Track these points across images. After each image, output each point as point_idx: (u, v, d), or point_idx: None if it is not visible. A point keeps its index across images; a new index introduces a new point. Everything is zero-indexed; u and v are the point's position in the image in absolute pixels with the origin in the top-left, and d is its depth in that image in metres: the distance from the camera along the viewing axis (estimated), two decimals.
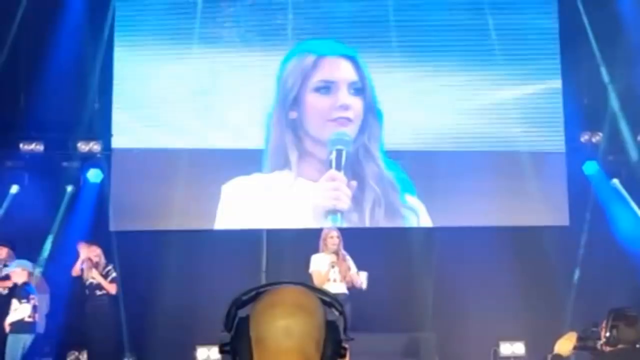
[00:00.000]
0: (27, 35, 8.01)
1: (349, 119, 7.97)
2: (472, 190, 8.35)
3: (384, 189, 8.03)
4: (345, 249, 7.44)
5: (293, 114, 8.04)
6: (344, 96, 7.97)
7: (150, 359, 8.10)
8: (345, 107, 7.96)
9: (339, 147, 7.55)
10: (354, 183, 7.68)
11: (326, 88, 8.00)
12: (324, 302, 1.56)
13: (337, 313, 1.56)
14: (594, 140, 8.67)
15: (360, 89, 8.03)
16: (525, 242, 8.44)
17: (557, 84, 8.54)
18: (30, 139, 8.29)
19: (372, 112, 8.09)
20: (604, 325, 3.74)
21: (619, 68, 8.52)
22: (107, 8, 8.36)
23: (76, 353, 8.03)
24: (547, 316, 8.21)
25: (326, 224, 7.65)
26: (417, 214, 8.13)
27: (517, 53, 8.51)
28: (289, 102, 8.03)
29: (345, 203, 7.59)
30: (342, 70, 8.05)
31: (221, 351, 1.54)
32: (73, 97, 8.26)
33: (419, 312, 8.36)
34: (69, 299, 7.96)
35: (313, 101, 8.02)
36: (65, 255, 8.11)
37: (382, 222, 8.06)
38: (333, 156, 7.54)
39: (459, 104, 8.36)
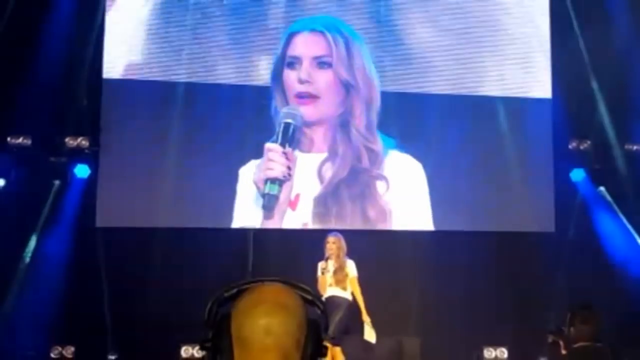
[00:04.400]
0: (16, 28, 7.96)
1: (311, 94, 8.02)
2: (460, 196, 8.38)
3: (356, 166, 8.08)
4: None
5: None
6: (305, 70, 8.03)
7: (135, 356, 8.07)
8: (303, 81, 8.01)
9: (287, 120, 7.54)
10: (289, 151, 7.62)
11: (292, 63, 8.09)
12: (306, 301, 1.56)
13: (318, 311, 1.56)
14: (581, 147, 8.72)
15: (328, 63, 8.05)
16: (511, 248, 8.48)
17: (546, 92, 8.59)
18: (17, 133, 8.24)
19: (351, 86, 8.10)
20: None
21: (608, 76, 8.57)
22: (97, 3, 8.34)
23: (59, 348, 8.01)
24: (531, 322, 8.25)
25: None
26: (389, 183, 8.14)
27: (506, 60, 8.57)
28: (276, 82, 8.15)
29: (278, 171, 7.55)
30: (307, 45, 8.11)
31: (202, 348, 1.54)
32: (62, 92, 8.22)
33: (402, 316, 8.37)
34: (55, 294, 7.93)
35: (285, 77, 8.11)
36: (51, 249, 8.08)
37: (345, 197, 8.10)
38: (280, 129, 7.56)
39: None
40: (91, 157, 8.40)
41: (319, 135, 8.13)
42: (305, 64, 8.02)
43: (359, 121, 8.13)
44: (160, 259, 8.16)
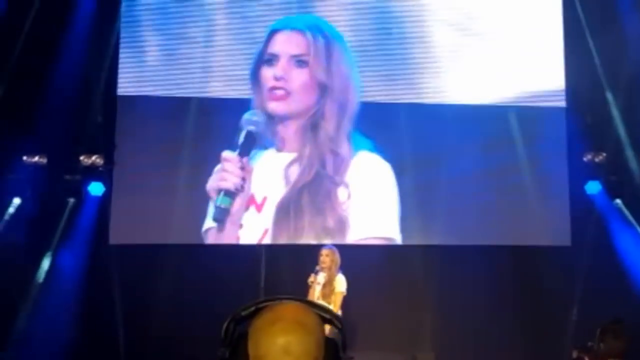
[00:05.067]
0: (31, 48, 8.02)
1: (285, 90, 7.99)
2: (472, 209, 8.33)
3: (320, 171, 7.98)
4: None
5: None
6: (281, 67, 8.01)
7: None
8: (279, 78, 8.00)
9: (249, 128, 7.54)
10: (246, 161, 7.63)
11: (269, 60, 8.07)
12: (324, 319, 1.54)
13: (336, 330, 1.54)
14: (597, 160, 8.65)
15: (305, 62, 8.02)
16: (527, 262, 8.41)
17: (560, 103, 8.54)
18: (33, 152, 8.29)
19: (326, 87, 8.03)
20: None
21: (623, 88, 8.52)
22: (112, 20, 8.40)
23: None
24: (548, 338, 8.16)
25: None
26: (349, 190, 7.98)
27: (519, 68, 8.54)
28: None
29: (230, 183, 7.55)
30: (286, 43, 8.09)
31: None
32: (77, 110, 8.27)
33: (417, 332, 8.31)
34: (69, 311, 7.93)
35: (262, 73, 8.10)
36: (65, 267, 8.10)
37: (306, 204, 7.99)
38: (241, 137, 7.54)
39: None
40: (105, 175, 8.43)
41: (289, 134, 8.08)
42: (283, 61, 8.01)
43: (329, 124, 8.04)
44: (173, 275, 8.14)
